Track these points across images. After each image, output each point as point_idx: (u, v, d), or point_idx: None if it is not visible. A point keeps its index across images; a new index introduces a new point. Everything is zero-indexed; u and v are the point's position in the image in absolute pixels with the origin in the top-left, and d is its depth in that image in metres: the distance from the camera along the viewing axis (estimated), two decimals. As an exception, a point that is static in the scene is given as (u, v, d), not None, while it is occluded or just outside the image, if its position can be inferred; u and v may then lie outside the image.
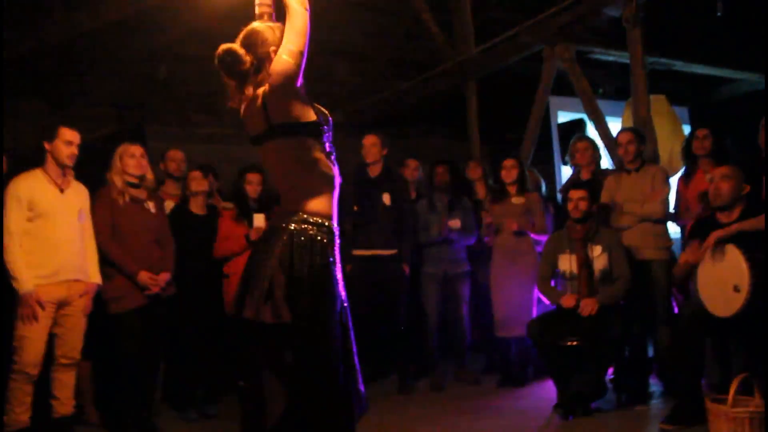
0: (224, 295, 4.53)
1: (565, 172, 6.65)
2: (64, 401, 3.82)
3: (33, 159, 3.90)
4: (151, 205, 4.16)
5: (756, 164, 4.13)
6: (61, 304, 3.76)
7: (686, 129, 6.50)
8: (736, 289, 3.36)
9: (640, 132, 4.63)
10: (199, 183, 4.54)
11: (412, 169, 5.70)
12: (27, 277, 3.62)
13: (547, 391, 4.42)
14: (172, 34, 6.00)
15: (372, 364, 4.91)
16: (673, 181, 4.72)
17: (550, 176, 6.83)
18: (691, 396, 3.58)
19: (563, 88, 6.41)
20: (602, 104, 5.94)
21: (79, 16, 5.59)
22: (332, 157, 2.51)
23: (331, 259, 2.46)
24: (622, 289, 4.18)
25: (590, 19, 5.42)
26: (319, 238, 2.43)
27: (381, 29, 7.49)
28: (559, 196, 5.64)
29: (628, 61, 5.29)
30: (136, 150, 4.07)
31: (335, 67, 7.48)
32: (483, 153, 6.59)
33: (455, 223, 4.97)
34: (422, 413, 4.30)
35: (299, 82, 2.40)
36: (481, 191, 5.44)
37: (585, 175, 5.01)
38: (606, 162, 5.69)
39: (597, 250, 4.25)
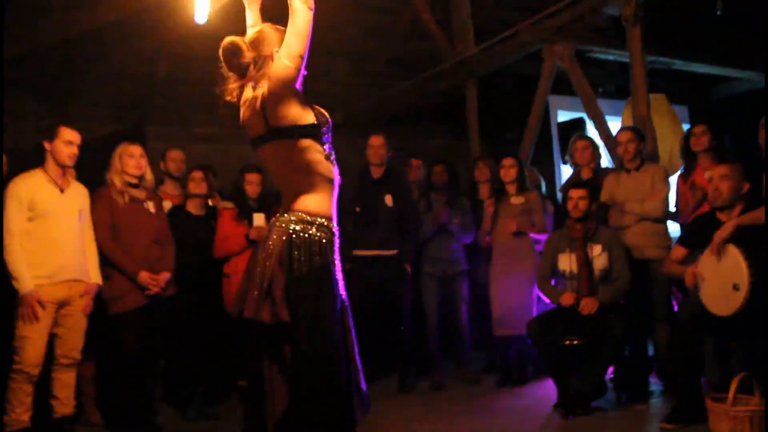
0: (224, 294, 4.54)
1: (565, 171, 6.65)
2: (65, 401, 3.82)
3: (33, 159, 3.90)
4: (150, 205, 4.16)
5: (756, 163, 4.13)
6: (62, 304, 3.76)
7: (686, 128, 6.50)
8: (736, 287, 3.36)
9: (640, 131, 4.63)
10: (197, 185, 4.54)
11: (415, 169, 5.70)
12: (27, 277, 3.62)
13: (547, 390, 4.42)
14: (172, 34, 6.00)
15: (372, 364, 4.90)
16: (673, 180, 4.72)
17: (550, 175, 6.83)
18: (691, 395, 3.58)
19: (563, 87, 6.41)
20: (602, 103, 5.94)
21: (79, 16, 5.59)
22: (332, 158, 2.51)
23: (331, 259, 2.47)
24: (621, 288, 4.18)
25: (590, 18, 5.42)
26: (318, 238, 2.44)
27: (380, 29, 7.49)
28: (559, 196, 5.64)
29: (627, 60, 5.29)
30: (136, 150, 4.07)
31: (335, 66, 7.48)
32: (483, 152, 6.59)
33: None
34: (422, 412, 4.30)
35: (298, 84, 2.40)
36: (484, 192, 5.43)
37: (585, 175, 5.01)
38: (606, 161, 5.69)
39: (597, 250, 4.25)
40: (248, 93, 2.51)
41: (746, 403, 3.23)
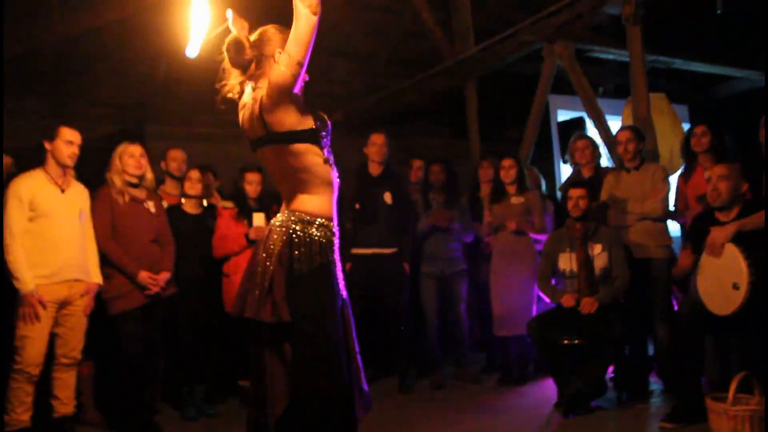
0: (224, 294, 4.54)
1: (565, 170, 6.65)
2: (65, 401, 3.83)
3: (34, 159, 3.90)
4: (150, 205, 4.16)
5: (756, 162, 4.13)
6: (63, 304, 3.76)
7: (686, 127, 6.50)
8: (736, 287, 3.36)
9: (640, 130, 4.63)
10: (193, 185, 4.53)
11: (416, 169, 5.71)
12: (28, 276, 3.62)
13: (547, 389, 4.43)
14: (172, 34, 5.99)
15: (372, 363, 4.91)
16: (674, 179, 4.72)
17: (550, 175, 6.83)
18: (691, 394, 3.58)
19: (563, 87, 6.41)
20: (602, 102, 5.94)
21: (79, 16, 5.59)
22: (331, 162, 2.51)
23: (331, 259, 2.47)
24: (620, 288, 4.18)
25: (590, 17, 5.42)
26: (318, 238, 2.44)
27: (380, 28, 7.49)
28: (559, 195, 5.64)
29: (627, 59, 5.28)
30: (136, 150, 4.07)
31: (335, 66, 7.48)
32: (486, 152, 6.60)
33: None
34: (422, 412, 4.30)
35: (297, 89, 2.39)
36: (486, 191, 5.42)
37: (585, 174, 5.01)
38: (606, 160, 5.69)
39: (597, 249, 4.25)
40: (247, 95, 2.51)
41: (746, 402, 3.23)
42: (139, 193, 4.12)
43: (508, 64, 6.56)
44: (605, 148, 5.50)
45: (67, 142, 3.79)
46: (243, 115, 2.52)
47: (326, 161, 2.49)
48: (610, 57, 6.21)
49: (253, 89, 2.49)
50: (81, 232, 3.87)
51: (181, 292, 4.25)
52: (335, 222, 2.53)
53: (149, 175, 4.17)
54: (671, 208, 4.52)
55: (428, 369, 5.08)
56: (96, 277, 3.91)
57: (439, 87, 7.08)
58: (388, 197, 4.90)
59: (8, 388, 3.64)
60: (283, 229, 2.45)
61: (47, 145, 3.80)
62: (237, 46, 2.44)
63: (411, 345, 5.02)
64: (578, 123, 6.71)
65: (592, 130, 5.90)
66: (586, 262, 4.22)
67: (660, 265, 4.27)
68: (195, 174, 4.56)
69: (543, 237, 4.80)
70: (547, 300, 4.45)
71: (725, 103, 7.95)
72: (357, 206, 4.89)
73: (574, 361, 4.10)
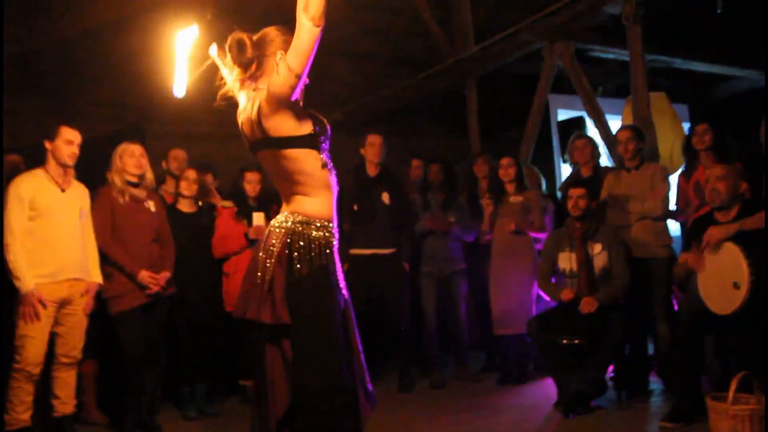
0: (224, 293, 4.54)
1: (565, 170, 6.65)
2: (65, 400, 3.82)
3: (34, 158, 3.90)
4: (151, 204, 4.16)
5: (757, 161, 4.13)
6: (63, 303, 3.76)
7: (686, 127, 6.50)
8: (736, 286, 3.36)
9: (640, 130, 4.63)
10: (189, 186, 4.51)
11: (416, 169, 5.71)
12: (28, 276, 3.62)
13: (547, 389, 4.43)
14: (172, 33, 5.99)
15: (372, 363, 4.90)
16: (674, 178, 4.72)
17: (550, 174, 6.83)
18: (692, 394, 3.58)
19: (563, 86, 6.41)
20: (602, 102, 5.94)
21: (79, 16, 5.60)
22: (329, 167, 2.50)
23: (331, 260, 2.47)
24: (620, 288, 4.18)
25: (590, 17, 5.42)
26: (318, 239, 2.44)
27: (380, 28, 7.49)
28: (558, 194, 5.64)
29: (627, 59, 5.29)
30: (136, 149, 4.07)
31: (334, 65, 7.48)
32: (483, 151, 6.60)
33: (450, 220, 5.00)
34: (422, 412, 4.30)
35: (297, 95, 2.39)
36: (484, 188, 5.43)
37: (584, 173, 5.01)
38: (606, 160, 5.69)
39: (597, 248, 4.25)
40: (246, 98, 2.50)
41: (746, 402, 3.22)
42: (140, 193, 4.12)
43: (508, 64, 6.56)
44: (605, 147, 5.50)
45: (68, 141, 3.79)
46: (242, 118, 2.52)
47: (325, 165, 2.48)
48: (610, 56, 6.21)
49: (254, 89, 2.49)
50: (81, 232, 3.87)
51: (180, 292, 4.24)
52: (335, 224, 2.53)
53: (149, 175, 4.17)
54: (671, 207, 4.52)
55: (428, 368, 5.09)
56: (96, 277, 3.91)
57: (439, 87, 7.08)
58: (385, 197, 4.90)
59: (8, 388, 3.64)
60: (283, 230, 2.45)
61: (47, 145, 3.80)
62: (239, 45, 2.44)
63: (411, 345, 5.02)
64: (578, 122, 6.71)
65: (592, 130, 5.90)
66: (585, 261, 4.22)
67: (660, 265, 4.27)
68: (191, 174, 4.54)
69: (542, 236, 4.80)
70: (547, 299, 4.45)
71: (725, 102, 7.95)
72: (355, 207, 4.89)
73: (574, 360, 4.10)
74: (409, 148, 6.68)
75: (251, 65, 2.46)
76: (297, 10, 2.22)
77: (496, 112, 7.27)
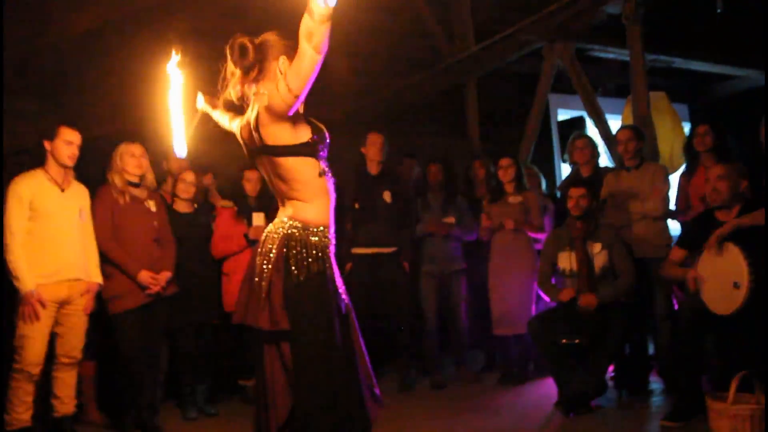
0: (223, 293, 4.54)
1: (566, 169, 6.65)
2: (66, 400, 3.83)
3: (34, 158, 3.90)
4: (151, 204, 4.16)
5: (757, 161, 4.13)
6: (63, 303, 3.76)
7: (686, 126, 6.50)
8: (736, 286, 3.36)
9: (640, 129, 4.63)
10: (187, 188, 4.50)
11: (408, 168, 5.71)
12: (28, 276, 3.62)
13: (547, 388, 4.43)
14: (172, 33, 5.99)
15: (372, 363, 4.91)
16: (674, 178, 4.72)
17: (550, 174, 6.83)
18: (692, 393, 3.58)
19: (563, 86, 6.41)
20: (602, 102, 5.94)
21: (79, 16, 5.59)
22: (327, 175, 2.50)
23: (328, 265, 2.47)
24: (624, 285, 4.17)
25: (590, 17, 5.42)
26: (315, 244, 2.44)
27: (380, 27, 7.48)
28: (558, 194, 5.64)
29: (627, 59, 5.29)
30: (137, 149, 4.07)
31: (334, 65, 7.47)
32: (481, 151, 6.60)
33: (450, 221, 5.00)
34: (423, 411, 4.30)
35: (295, 108, 2.39)
36: (482, 191, 5.44)
37: (583, 173, 5.01)
38: (605, 160, 5.69)
39: (597, 248, 4.25)
40: (248, 98, 2.50)
41: (747, 401, 3.23)
42: (140, 193, 4.12)
43: (508, 64, 6.56)
44: (605, 147, 5.50)
45: (67, 142, 3.79)
46: (241, 129, 2.53)
47: (323, 173, 2.48)
48: (610, 56, 6.22)
49: (254, 94, 2.48)
50: (81, 232, 3.87)
51: (180, 292, 4.24)
52: (332, 229, 2.53)
53: (150, 175, 4.17)
54: (672, 207, 4.52)
55: (428, 368, 5.08)
56: (96, 277, 3.91)
57: (439, 87, 7.08)
58: (387, 196, 4.91)
59: (9, 388, 3.64)
60: (280, 236, 2.45)
61: (47, 145, 3.80)
62: (242, 49, 2.44)
63: (411, 344, 5.02)
64: (578, 122, 6.72)
65: (592, 130, 5.91)
66: (586, 261, 4.22)
67: (660, 264, 4.26)
68: (189, 176, 4.52)
69: (541, 236, 4.81)
70: (547, 299, 4.45)
71: (725, 102, 7.94)
72: (356, 206, 4.90)
73: (574, 360, 4.10)
74: (409, 148, 6.67)
75: (253, 69, 2.46)
76: (300, 37, 2.23)
77: (496, 112, 7.27)
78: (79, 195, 3.92)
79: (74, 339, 3.82)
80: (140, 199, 4.11)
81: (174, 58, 2.67)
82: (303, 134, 2.43)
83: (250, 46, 2.44)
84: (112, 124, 6.38)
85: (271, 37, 2.51)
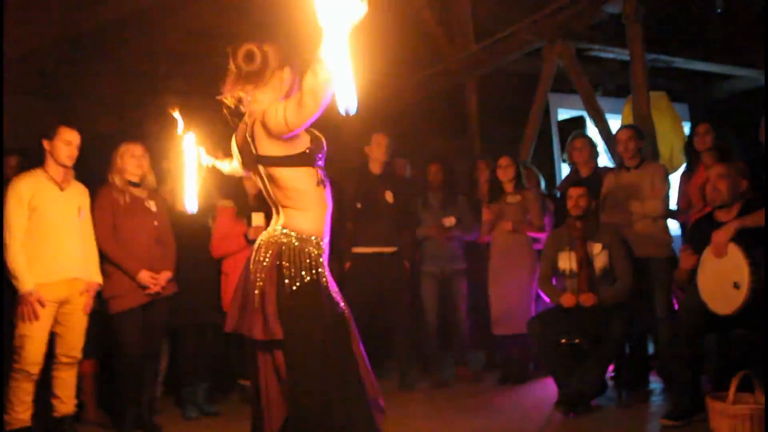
0: (222, 293, 4.54)
1: (566, 169, 6.65)
2: (66, 400, 3.83)
3: (34, 158, 3.90)
4: (152, 204, 4.16)
5: (757, 160, 4.13)
6: (62, 303, 3.76)
7: (686, 126, 6.50)
8: (736, 286, 3.36)
9: (640, 129, 4.63)
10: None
11: (401, 169, 5.72)
12: (27, 276, 3.62)
13: (547, 388, 4.42)
14: (172, 34, 6.00)
15: (372, 362, 4.91)
16: (674, 178, 4.72)
17: (551, 174, 6.83)
18: (692, 393, 3.58)
19: (563, 86, 6.41)
20: (602, 101, 5.94)
21: (79, 16, 5.60)
22: (324, 183, 2.48)
23: (321, 275, 2.44)
24: (623, 288, 4.17)
25: (590, 16, 5.42)
26: (308, 253, 2.42)
27: (380, 27, 7.47)
28: (557, 194, 5.64)
29: (628, 58, 5.29)
30: (137, 149, 4.08)
31: (335, 65, 7.46)
32: (483, 152, 6.60)
33: (450, 221, 5.00)
34: (423, 411, 4.30)
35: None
36: (484, 191, 5.43)
37: (582, 173, 5.01)
38: (605, 160, 5.69)
39: (597, 248, 4.25)
40: (245, 102, 2.50)
41: (746, 401, 3.23)
42: (141, 193, 4.12)
43: (508, 64, 6.56)
44: (605, 146, 5.50)
45: (66, 142, 3.79)
46: (238, 138, 2.52)
47: (320, 182, 2.45)
48: (611, 56, 6.21)
49: (251, 100, 2.47)
50: (80, 231, 3.87)
51: (180, 291, 4.24)
52: (326, 239, 2.51)
53: (150, 175, 4.17)
54: (672, 207, 4.52)
55: (428, 368, 5.09)
56: (96, 276, 3.91)
57: (439, 86, 7.08)
58: (389, 196, 4.91)
59: (8, 387, 3.64)
60: (273, 244, 2.44)
61: (46, 145, 3.80)
62: (248, 55, 2.45)
63: (411, 344, 5.02)
64: (578, 122, 6.71)
65: (592, 129, 5.90)
66: (586, 261, 4.22)
67: (660, 264, 4.27)
68: None
69: (541, 236, 4.80)
70: (548, 300, 4.45)
71: (725, 101, 7.94)
72: (358, 205, 4.90)
73: (574, 360, 4.10)
74: (409, 149, 6.67)
75: (255, 76, 2.45)
76: (303, 88, 2.24)
77: (496, 112, 7.26)
78: (78, 194, 3.92)
79: (74, 338, 3.82)
80: (141, 199, 4.11)
81: (179, 126, 2.67)
82: (300, 144, 2.41)
83: (257, 53, 2.44)
84: (112, 124, 6.40)
85: (276, 46, 2.51)
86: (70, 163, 3.83)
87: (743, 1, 5.74)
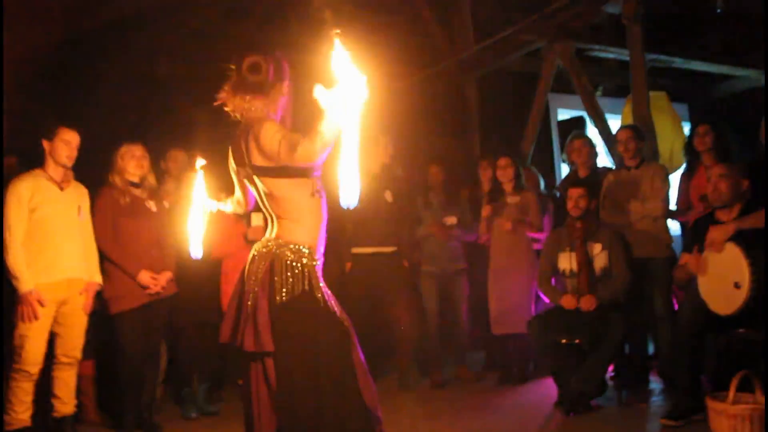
0: (222, 293, 4.54)
1: (566, 169, 6.65)
2: (66, 400, 3.83)
3: (34, 159, 3.90)
4: (152, 205, 4.16)
5: (757, 160, 4.13)
6: (62, 303, 3.76)
7: (686, 126, 6.50)
8: (737, 286, 3.36)
9: (640, 129, 4.63)
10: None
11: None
12: (27, 276, 3.62)
13: (547, 388, 4.42)
14: (172, 34, 6.00)
15: (372, 362, 4.90)
16: (674, 177, 4.72)
17: (551, 174, 6.83)
18: (692, 392, 3.58)
19: (563, 86, 6.41)
20: (602, 101, 5.94)
21: (79, 16, 5.60)
22: (320, 194, 2.48)
23: (315, 286, 2.43)
24: (620, 287, 4.17)
25: (590, 17, 5.42)
26: (301, 266, 2.42)
27: (380, 27, 7.47)
28: (557, 194, 5.64)
29: (627, 59, 5.29)
30: (137, 150, 4.08)
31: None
32: (485, 152, 6.60)
33: (451, 220, 5.00)
34: (423, 411, 4.30)
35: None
36: (486, 189, 5.44)
37: (581, 173, 5.01)
38: (604, 159, 5.69)
39: (597, 248, 4.25)
40: (241, 110, 2.50)
41: (746, 401, 3.23)
42: (141, 194, 4.12)
43: (508, 64, 6.56)
44: (605, 147, 5.50)
45: (66, 142, 3.79)
46: (234, 148, 2.52)
47: (315, 193, 2.45)
48: (610, 56, 6.21)
49: (248, 109, 2.47)
50: (80, 231, 3.87)
51: (180, 292, 4.24)
52: (321, 249, 2.50)
53: (151, 176, 4.17)
54: (672, 207, 4.52)
55: (428, 368, 5.08)
56: (95, 276, 3.91)
57: (439, 87, 7.08)
58: (388, 196, 4.91)
59: (8, 388, 3.64)
60: (267, 255, 2.43)
61: (46, 145, 3.80)
62: (253, 66, 2.45)
63: (411, 344, 5.02)
64: (578, 122, 6.71)
65: (592, 129, 5.90)
66: (586, 261, 4.22)
67: (660, 264, 4.27)
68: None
69: (541, 235, 4.80)
70: (547, 301, 4.45)
71: (725, 101, 7.94)
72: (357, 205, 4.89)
73: (574, 360, 4.10)
74: (409, 149, 6.67)
75: (257, 87, 2.45)
76: (297, 150, 2.26)
77: (496, 112, 7.26)
78: (78, 194, 3.92)
79: (74, 338, 3.82)
80: (141, 199, 4.11)
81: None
82: None
83: (263, 65, 2.45)
84: (112, 124, 6.40)
85: (278, 58, 2.52)
86: (69, 163, 3.83)
87: (743, 1, 5.73)
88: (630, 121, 5.37)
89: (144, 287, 3.98)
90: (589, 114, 5.74)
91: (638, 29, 5.06)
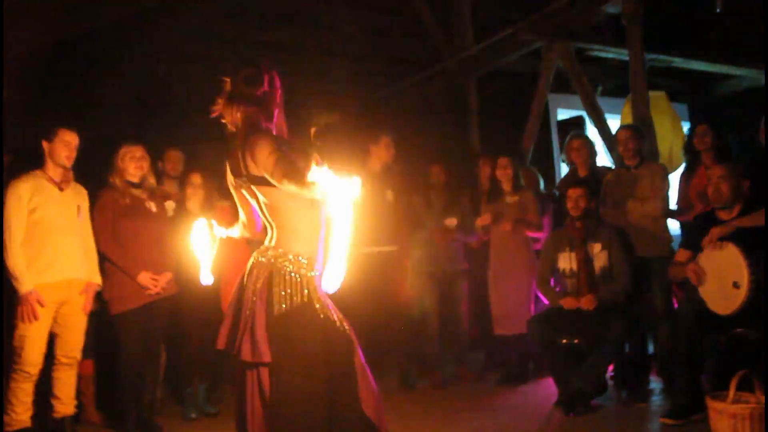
0: (222, 293, 4.53)
1: (565, 169, 6.65)
2: (65, 401, 3.83)
3: (34, 159, 3.90)
4: (152, 206, 4.16)
5: (757, 160, 4.13)
6: (62, 303, 3.76)
7: (685, 126, 6.50)
8: (736, 286, 3.36)
9: (639, 129, 4.63)
10: (195, 191, 4.48)
11: None
12: (27, 276, 3.62)
13: (547, 388, 4.42)
14: (172, 34, 6.00)
15: (372, 363, 4.90)
16: (674, 177, 4.72)
17: (550, 174, 6.83)
18: (692, 392, 3.59)
19: (563, 86, 6.41)
20: (602, 101, 5.94)
21: (79, 16, 5.60)
22: (318, 203, 2.45)
23: (313, 297, 2.42)
24: (621, 287, 4.18)
25: (589, 16, 5.42)
26: (301, 276, 2.41)
27: (380, 27, 7.48)
28: (556, 194, 5.64)
29: (627, 58, 5.29)
30: (137, 151, 4.07)
31: (334, 66, 7.48)
32: (484, 151, 6.60)
33: (451, 222, 4.99)
34: (423, 411, 4.30)
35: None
36: (486, 187, 5.44)
37: (580, 173, 5.01)
38: (604, 159, 5.69)
39: (597, 248, 4.25)
40: (236, 119, 2.49)
41: (746, 400, 3.23)
42: (141, 194, 4.12)
43: (508, 63, 6.56)
44: (605, 146, 5.50)
45: (65, 143, 3.79)
46: (231, 157, 2.51)
47: (314, 201, 2.40)
48: (610, 56, 6.21)
49: (242, 119, 2.47)
50: (80, 232, 3.87)
51: (180, 292, 4.24)
52: (320, 259, 2.47)
53: (151, 177, 4.17)
54: (672, 206, 4.52)
55: (428, 368, 5.08)
56: (95, 277, 3.91)
57: (439, 86, 7.08)
58: (390, 195, 4.91)
59: (8, 388, 3.64)
60: (264, 264, 2.43)
61: (45, 146, 3.80)
62: (254, 79, 2.45)
63: (411, 344, 5.01)
64: (578, 122, 6.71)
65: (591, 129, 5.91)
66: (586, 261, 4.22)
67: (660, 264, 4.26)
68: (197, 179, 4.51)
69: (540, 235, 4.81)
70: (547, 301, 4.45)
71: (725, 101, 7.95)
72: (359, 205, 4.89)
73: (574, 360, 4.10)
74: (408, 149, 6.68)
75: (252, 98, 2.45)
76: (286, 183, 2.27)
77: (495, 112, 7.27)
78: (77, 195, 3.92)
79: (73, 339, 3.82)
80: (141, 200, 4.11)
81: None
82: None
83: (259, 78, 2.45)
84: (112, 125, 6.40)
85: (272, 69, 2.52)
86: (69, 164, 3.83)
87: (743, 1, 5.73)
88: (629, 120, 5.37)
89: (144, 288, 3.98)
90: (588, 114, 5.74)
91: (638, 29, 5.06)
